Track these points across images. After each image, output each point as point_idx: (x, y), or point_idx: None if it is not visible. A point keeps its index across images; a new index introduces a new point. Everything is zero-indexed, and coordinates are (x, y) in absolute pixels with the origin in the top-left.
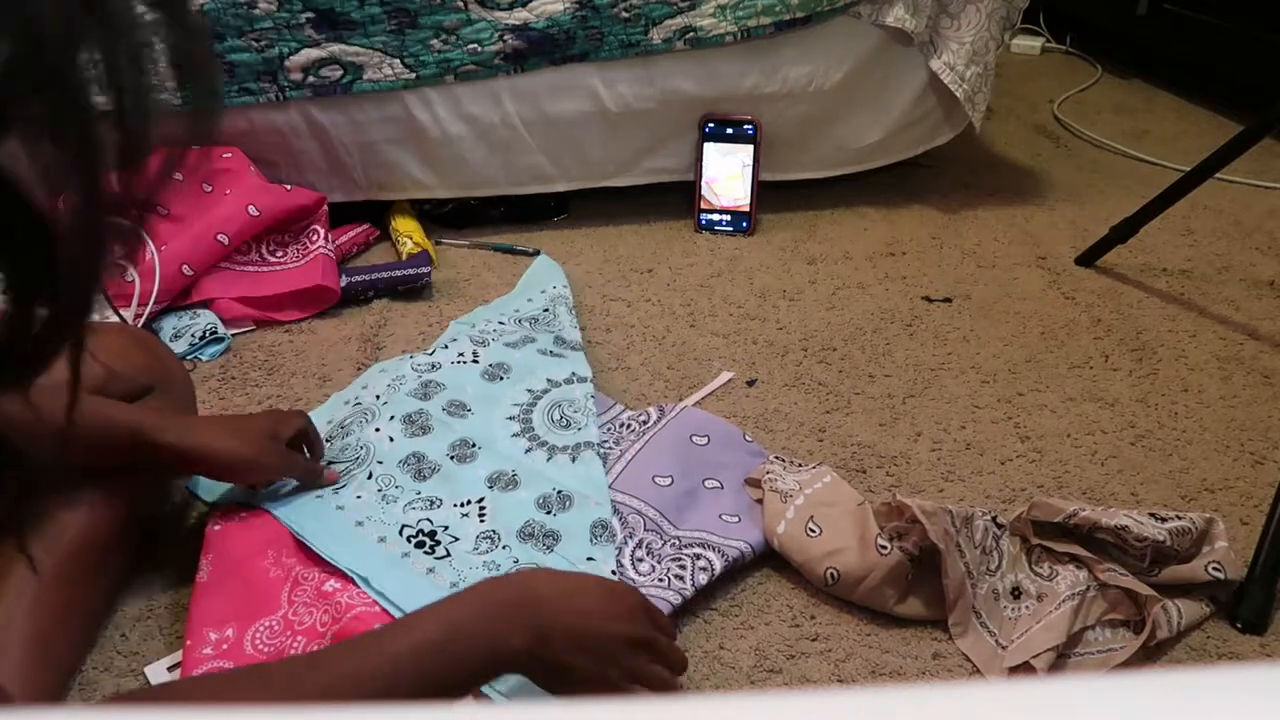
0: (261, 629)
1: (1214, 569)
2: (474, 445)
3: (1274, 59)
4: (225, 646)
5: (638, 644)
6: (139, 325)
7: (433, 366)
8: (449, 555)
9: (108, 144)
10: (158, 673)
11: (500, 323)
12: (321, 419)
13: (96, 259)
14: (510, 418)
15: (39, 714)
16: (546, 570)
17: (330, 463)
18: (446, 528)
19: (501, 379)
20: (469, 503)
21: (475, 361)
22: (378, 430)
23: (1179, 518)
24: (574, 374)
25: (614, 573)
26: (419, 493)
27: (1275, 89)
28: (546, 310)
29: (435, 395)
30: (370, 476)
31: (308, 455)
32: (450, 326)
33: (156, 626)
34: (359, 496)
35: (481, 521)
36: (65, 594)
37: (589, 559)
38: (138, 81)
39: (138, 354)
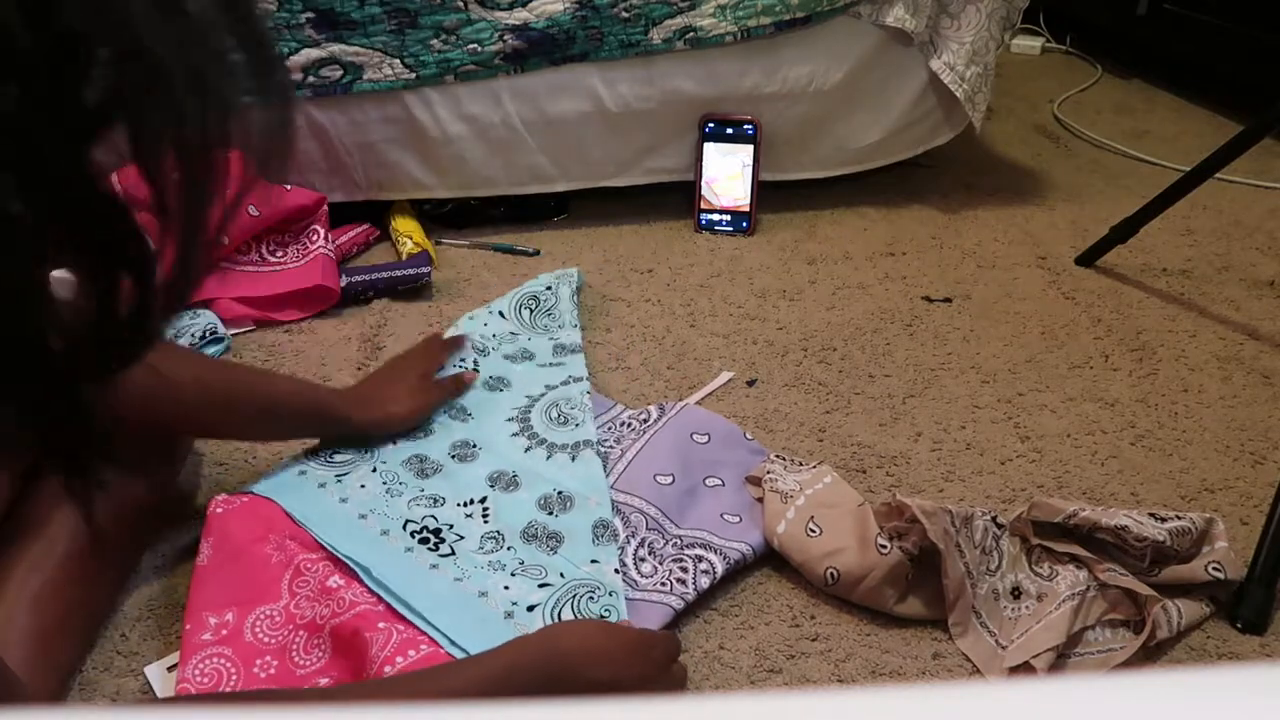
0: (262, 617)
1: (1214, 569)
2: (474, 446)
3: (1274, 59)
4: (225, 632)
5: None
6: None
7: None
8: (454, 554)
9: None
10: (157, 673)
11: (500, 314)
12: None
13: (206, 265)
14: (509, 419)
15: (39, 714)
16: (577, 629)
17: (333, 454)
18: (451, 526)
19: (501, 390)
20: (471, 502)
21: (475, 370)
22: None
23: (1179, 518)
24: (570, 377)
25: (617, 571)
26: (422, 490)
27: (1275, 89)
28: (549, 289)
29: None
30: (374, 470)
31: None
32: (463, 323)
33: (156, 626)
34: (363, 486)
35: (485, 522)
36: (67, 594)
37: (593, 560)
38: (219, 84)
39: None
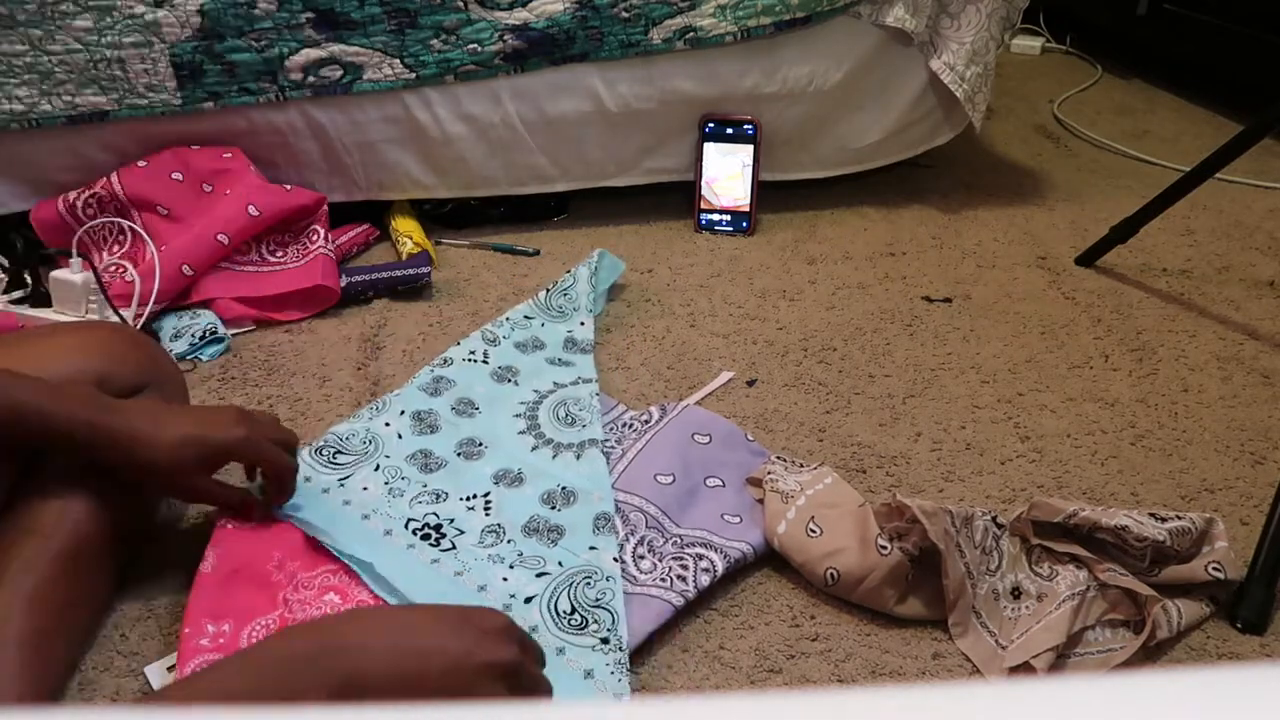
0: (258, 627)
1: (1214, 569)
2: (481, 444)
3: (1274, 59)
4: (221, 640)
5: (496, 672)
6: (139, 325)
7: (445, 362)
8: (454, 548)
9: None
10: (157, 673)
11: (509, 320)
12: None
13: None
14: (517, 415)
15: (39, 714)
16: (368, 610)
17: (337, 452)
18: (452, 520)
19: (510, 381)
20: (474, 496)
21: (485, 362)
22: (387, 425)
23: (1179, 518)
24: (580, 378)
25: (615, 560)
26: (425, 485)
27: (1275, 89)
28: (570, 271)
29: (445, 392)
30: (377, 469)
31: (258, 484)
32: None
33: (156, 626)
34: (365, 488)
35: (487, 515)
36: (62, 593)
37: (591, 548)
38: None
39: (131, 353)
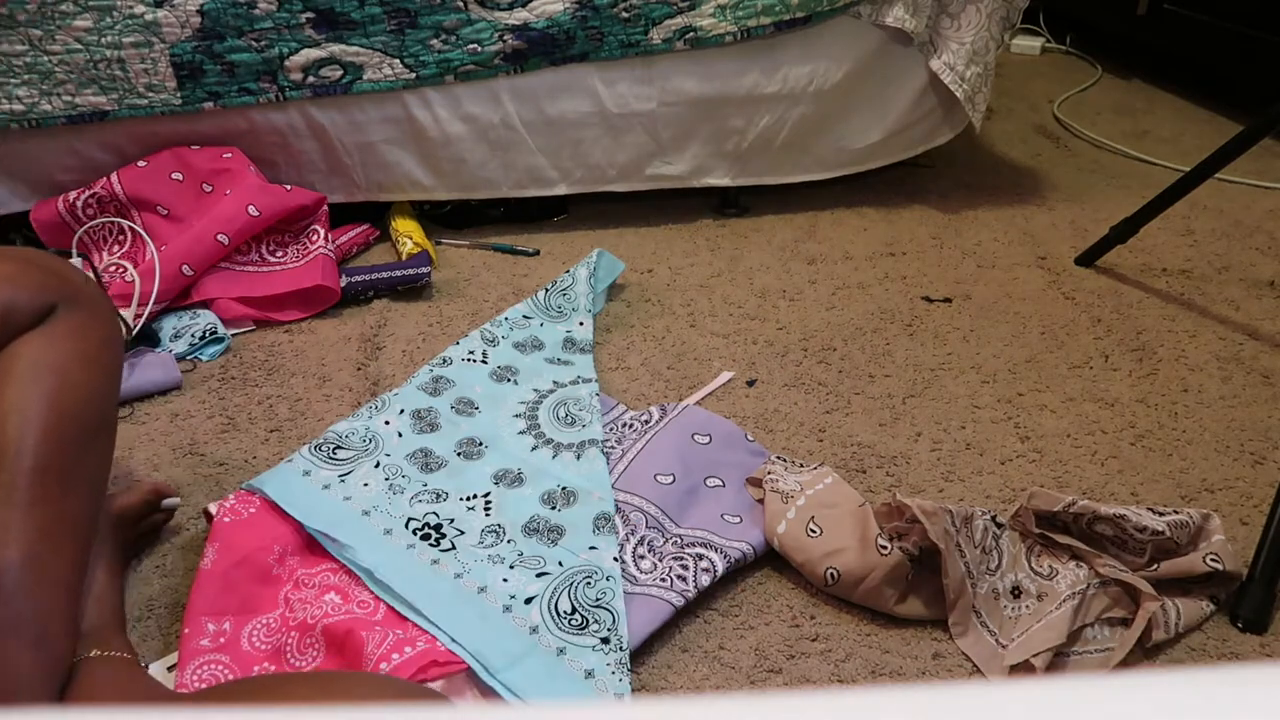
0: (258, 627)
1: (1212, 560)
2: (481, 444)
3: (1274, 59)
4: (222, 640)
5: None
6: (139, 325)
7: (444, 361)
8: (454, 548)
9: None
10: (157, 672)
11: (507, 320)
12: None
13: None
14: (517, 415)
15: (39, 714)
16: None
17: (337, 448)
18: (452, 520)
19: (509, 380)
20: (474, 496)
21: (484, 362)
22: (387, 423)
23: (1176, 512)
24: (580, 377)
25: (616, 559)
26: (425, 484)
27: (1275, 89)
28: (569, 271)
29: (445, 392)
30: (378, 465)
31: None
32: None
33: (156, 626)
34: (365, 484)
35: (487, 515)
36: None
37: (591, 548)
38: None
39: (33, 273)
